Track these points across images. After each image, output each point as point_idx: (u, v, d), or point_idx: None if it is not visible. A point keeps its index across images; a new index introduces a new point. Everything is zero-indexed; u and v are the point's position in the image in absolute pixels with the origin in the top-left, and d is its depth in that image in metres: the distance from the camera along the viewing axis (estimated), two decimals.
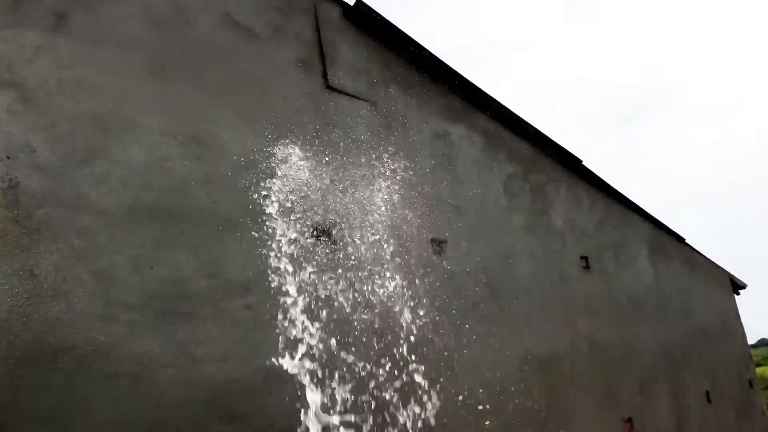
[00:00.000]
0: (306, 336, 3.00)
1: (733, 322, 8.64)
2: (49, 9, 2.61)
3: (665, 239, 7.42)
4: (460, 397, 3.69)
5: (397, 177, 3.88)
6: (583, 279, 5.49)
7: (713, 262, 8.59)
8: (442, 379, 3.61)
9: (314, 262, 3.19)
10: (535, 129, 5.32)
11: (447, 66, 4.49)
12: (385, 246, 3.59)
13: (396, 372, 3.35)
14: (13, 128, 2.35)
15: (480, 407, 3.80)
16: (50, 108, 2.47)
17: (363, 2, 3.96)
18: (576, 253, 5.52)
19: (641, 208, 6.86)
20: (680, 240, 7.77)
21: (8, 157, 2.30)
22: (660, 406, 5.96)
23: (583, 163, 5.81)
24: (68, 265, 2.33)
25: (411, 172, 4.00)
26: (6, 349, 2.10)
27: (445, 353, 3.71)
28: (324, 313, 3.11)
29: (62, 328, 2.25)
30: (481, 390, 3.87)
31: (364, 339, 3.25)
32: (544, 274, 4.96)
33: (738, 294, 9.27)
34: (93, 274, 2.39)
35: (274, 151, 3.23)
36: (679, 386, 6.48)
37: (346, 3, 3.99)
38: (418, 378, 3.45)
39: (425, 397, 3.44)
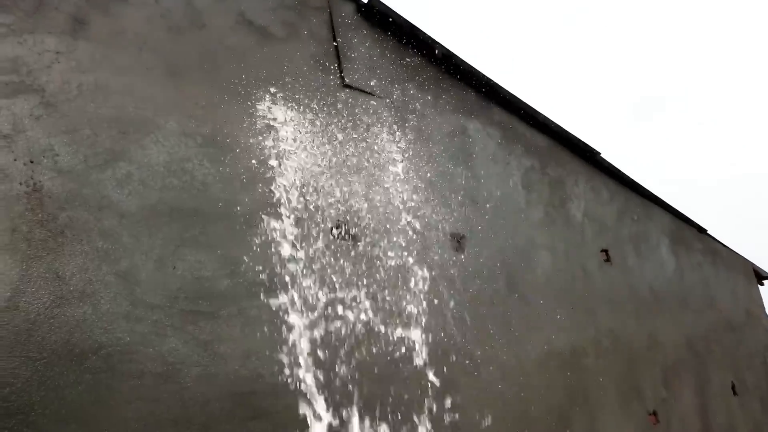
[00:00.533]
0: (325, 334, 3.01)
1: (757, 312, 8.53)
2: (68, 14, 2.64)
3: (686, 230, 7.35)
4: (481, 393, 3.69)
5: (415, 172, 3.88)
6: (604, 272, 5.45)
7: (736, 253, 8.49)
8: (462, 375, 3.60)
9: (333, 260, 3.20)
10: (552, 122, 5.29)
11: (462, 61, 4.48)
12: (405, 242, 3.59)
13: (416, 368, 3.35)
14: (35, 133, 2.38)
15: (502, 403, 3.79)
16: (71, 112, 2.50)
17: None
18: (596, 246, 5.49)
19: (661, 200, 6.80)
20: (701, 231, 7.69)
21: (32, 161, 2.34)
22: (685, 399, 5.90)
23: (601, 155, 5.77)
24: (93, 267, 2.36)
25: (428, 168, 3.99)
26: (35, 350, 2.13)
27: (466, 348, 3.70)
28: (343, 311, 3.12)
29: (89, 329, 2.28)
30: (502, 385, 3.86)
31: (385, 335, 3.26)
32: (564, 268, 4.93)
33: (762, 284, 9.16)
34: (117, 275, 2.42)
35: (291, 149, 3.24)
36: (704, 378, 6.41)
37: (361, 0, 3.99)
38: (438, 374, 3.44)
39: (445, 394, 3.44)
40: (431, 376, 3.40)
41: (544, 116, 5.21)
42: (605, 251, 5.59)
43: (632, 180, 6.28)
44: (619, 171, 6.09)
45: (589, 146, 5.63)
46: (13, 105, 2.35)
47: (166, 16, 2.99)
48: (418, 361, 3.37)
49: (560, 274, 4.86)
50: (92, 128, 2.54)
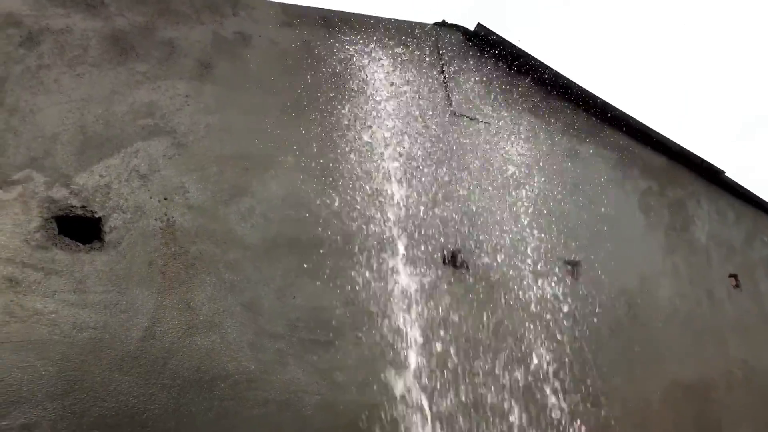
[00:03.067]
0: (439, 364, 2.99)
1: None
2: (196, 60, 2.82)
3: None
4: (602, 429, 3.52)
5: (528, 199, 3.81)
6: (734, 298, 5.10)
7: None
8: (582, 409, 3.46)
9: (447, 288, 3.19)
10: (670, 140, 5.05)
11: (573, 83, 4.38)
12: (518, 270, 3.53)
13: (532, 401, 3.25)
14: (168, 172, 2.55)
15: None
16: (200, 151, 2.66)
17: (483, 25, 3.96)
18: (724, 271, 5.15)
19: None
20: None
21: (165, 199, 2.50)
22: None
23: (725, 174, 5.44)
24: (220, 297, 2.49)
25: (542, 194, 3.91)
26: (170, 378, 2.26)
27: (586, 381, 3.56)
28: (457, 341, 3.10)
29: (217, 357, 2.39)
30: (625, 419, 3.67)
31: (499, 366, 3.20)
32: (689, 294, 4.66)
33: None
34: (242, 305, 2.52)
35: (403, 179, 3.28)
36: None
37: (467, 28, 4.01)
38: (556, 408, 3.33)
39: (565, 429, 3.32)
40: (548, 410, 3.29)
41: (661, 135, 4.98)
42: (734, 276, 5.23)
43: (761, 199, 5.86)
44: (746, 190, 5.70)
45: (712, 165, 5.31)
46: (149, 147, 2.53)
47: (284, 57, 3.13)
48: (534, 393, 3.27)
49: (685, 301, 4.59)
50: (218, 166, 2.68)
